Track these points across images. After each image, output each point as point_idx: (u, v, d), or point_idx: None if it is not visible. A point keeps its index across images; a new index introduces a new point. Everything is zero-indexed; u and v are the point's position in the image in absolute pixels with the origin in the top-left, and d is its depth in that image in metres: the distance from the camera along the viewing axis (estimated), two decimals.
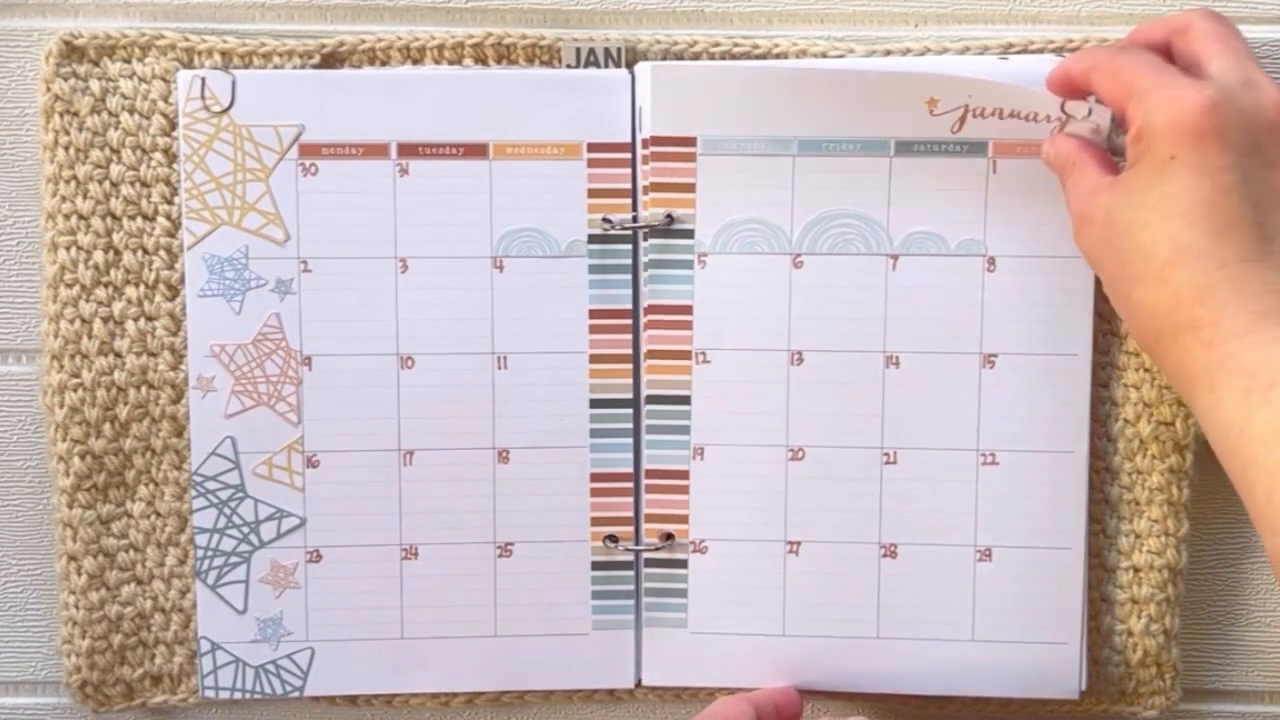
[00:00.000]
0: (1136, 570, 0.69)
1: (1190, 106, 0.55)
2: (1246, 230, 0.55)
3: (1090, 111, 0.63)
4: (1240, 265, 0.55)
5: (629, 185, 0.67)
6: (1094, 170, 0.60)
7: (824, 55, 0.67)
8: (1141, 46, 0.60)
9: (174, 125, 0.67)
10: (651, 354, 0.68)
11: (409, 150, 0.67)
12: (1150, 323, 0.56)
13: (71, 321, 0.67)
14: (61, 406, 0.67)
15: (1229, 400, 0.54)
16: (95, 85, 0.66)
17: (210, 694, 0.69)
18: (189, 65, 0.67)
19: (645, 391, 0.68)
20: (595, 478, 0.68)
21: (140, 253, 0.67)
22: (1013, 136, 0.66)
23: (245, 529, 0.68)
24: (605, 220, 0.67)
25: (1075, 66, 0.61)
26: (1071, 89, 0.62)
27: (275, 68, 0.67)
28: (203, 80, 0.66)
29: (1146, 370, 0.68)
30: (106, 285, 0.67)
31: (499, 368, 0.68)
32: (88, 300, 0.67)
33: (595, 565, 0.69)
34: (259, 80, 0.66)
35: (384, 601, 0.69)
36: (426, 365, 0.68)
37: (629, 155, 0.67)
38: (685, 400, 0.68)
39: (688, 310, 0.67)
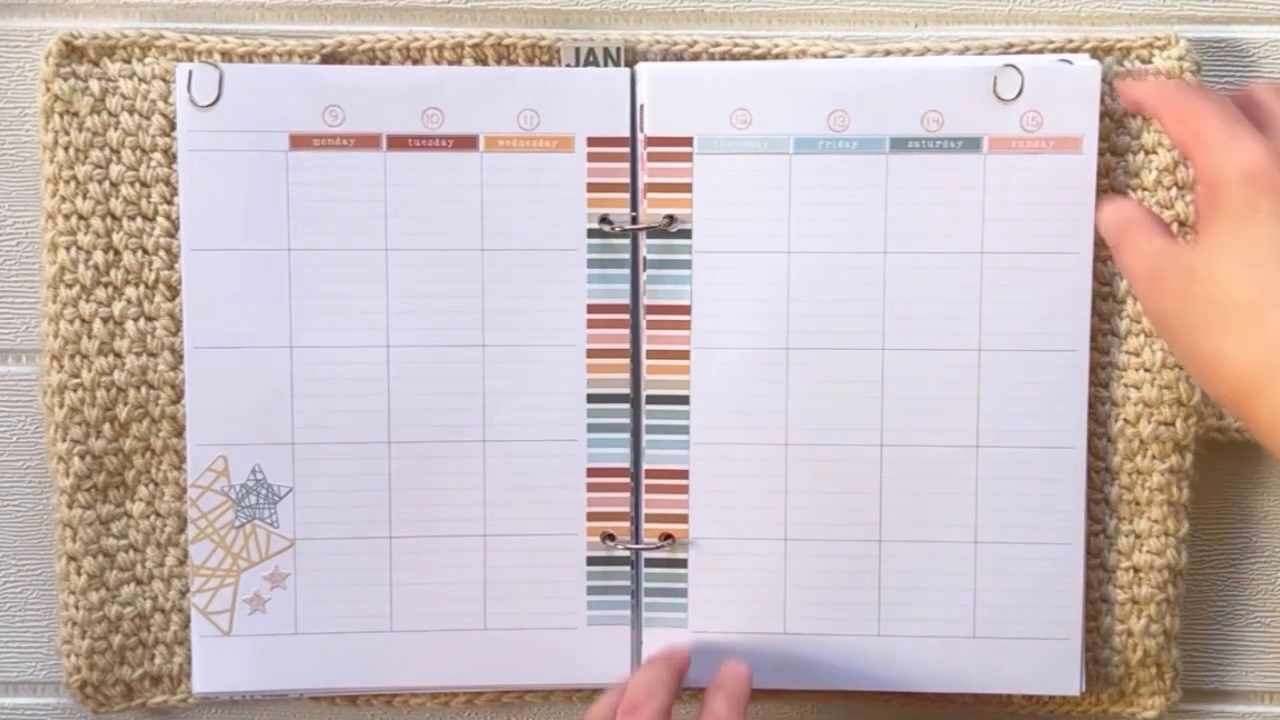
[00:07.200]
0: (1136, 570, 0.69)
1: (1263, 160, 0.57)
2: None
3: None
4: None
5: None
6: (1157, 232, 0.61)
7: (824, 55, 0.67)
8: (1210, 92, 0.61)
9: (174, 125, 0.67)
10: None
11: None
12: (1244, 366, 0.56)
13: (71, 322, 0.67)
14: (61, 407, 0.67)
15: None
16: (95, 85, 0.67)
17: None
18: None
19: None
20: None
21: (140, 253, 0.67)
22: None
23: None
24: (605, 220, 0.67)
25: (1148, 99, 0.62)
26: (1138, 111, 0.65)
27: None
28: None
29: (1146, 370, 0.67)
30: (106, 285, 0.67)
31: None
32: (87, 300, 0.67)
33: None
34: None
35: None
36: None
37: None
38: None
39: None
